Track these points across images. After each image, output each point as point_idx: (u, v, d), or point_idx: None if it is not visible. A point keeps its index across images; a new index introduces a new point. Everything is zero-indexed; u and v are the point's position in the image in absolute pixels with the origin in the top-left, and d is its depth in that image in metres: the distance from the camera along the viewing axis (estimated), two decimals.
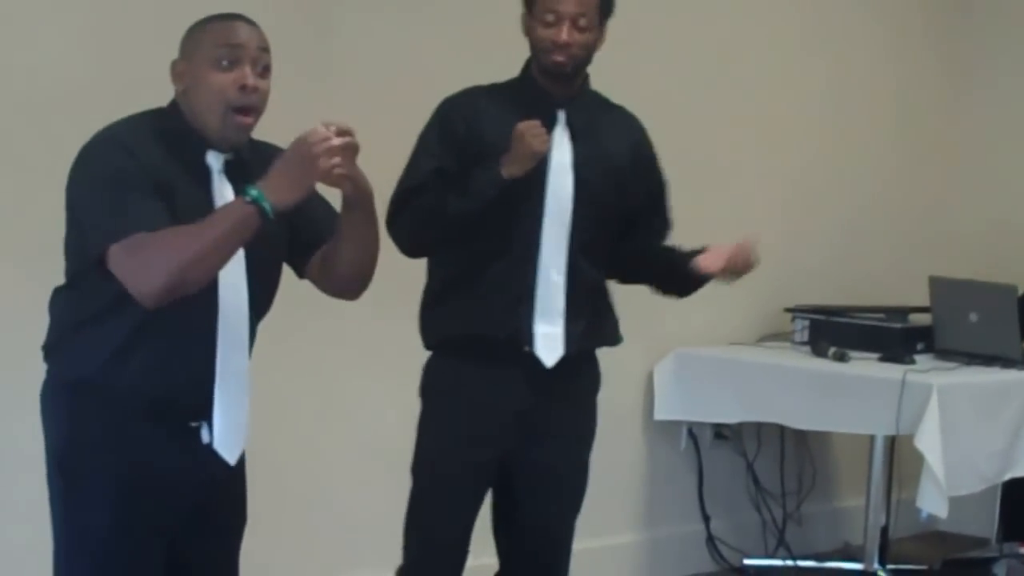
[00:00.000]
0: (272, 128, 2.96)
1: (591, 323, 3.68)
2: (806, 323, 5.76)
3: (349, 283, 3.02)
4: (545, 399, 3.63)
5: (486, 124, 3.59)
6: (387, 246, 3.24)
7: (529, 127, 3.49)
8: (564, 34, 3.53)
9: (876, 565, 5.66)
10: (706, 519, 5.77)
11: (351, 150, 2.76)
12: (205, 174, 2.87)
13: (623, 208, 3.73)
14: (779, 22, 5.96)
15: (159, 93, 2.95)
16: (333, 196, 2.92)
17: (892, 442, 5.67)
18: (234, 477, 3.01)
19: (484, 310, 3.60)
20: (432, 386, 3.71)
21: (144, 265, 2.69)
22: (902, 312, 5.90)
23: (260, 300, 2.95)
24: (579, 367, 3.70)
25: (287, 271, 3.06)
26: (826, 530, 6.14)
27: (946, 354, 5.55)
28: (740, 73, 5.78)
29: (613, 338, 3.80)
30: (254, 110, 2.85)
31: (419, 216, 3.56)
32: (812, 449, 6.07)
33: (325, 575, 4.74)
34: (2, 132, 4.00)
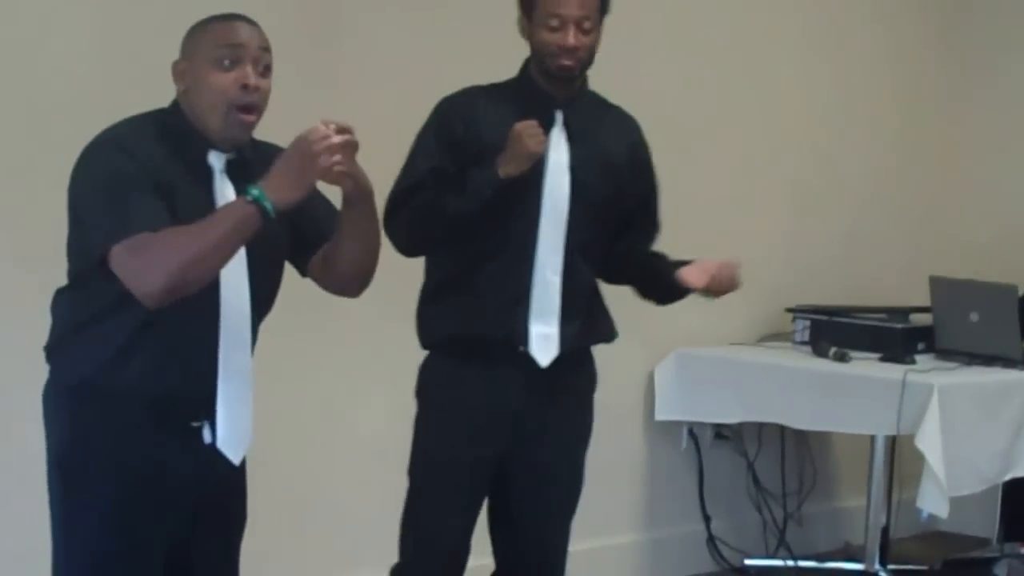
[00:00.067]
0: (273, 129, 2.96)
1: (586, 322, 3.68)
2: (807, 323, 5.76)
3: (350, 281, 3.02)
4: (541, 399, 3.63)
5: (484, 124, 3.59)
6: (387, 246, 3.24)
7: (526, 127, 3.49)
8: (571, 38, 3.53)
9: (877, 565, 5.66)
10: (707, 519, 5.77)
11: (351, 148, 2.76)
12: (207, 174, 2.87)
13: (619, 209, 3.73)
14: (781, 23, 5.95)
15: (161, 94, 2.95)
16: (333, 194, 2.92)
17: (893, 442, 5.68)
18: (235, 477, 3.01)
19: (480, 310, 3.60)
20: (428, 387, 3.71)
21: (146, 265, 2.70)
22: (903, 312, 5.90)
23: (262, 299, 2.95)
24: (575, 366, 3.70)
25: (289, 270, 3.06)
26: (827, 530, 6.14)
27: (947, 354, 5.55)
28: (741, 74, 5.78)
29: (608, 335, 3.80)
30: (256, 109, 2.86)
31: (416, 215, 3.56)
32: (813, 449, 6.07)
33: (325, 575, 4.74)
34: (4, 133, 4.00)
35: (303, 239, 3.00)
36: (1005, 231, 6.46)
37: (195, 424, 2.89)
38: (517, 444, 3.65)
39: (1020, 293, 5.54)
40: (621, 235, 3.78)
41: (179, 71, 2.89)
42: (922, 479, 4.98)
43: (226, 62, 2.83)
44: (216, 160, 2.88)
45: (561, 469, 3.74)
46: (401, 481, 3.72)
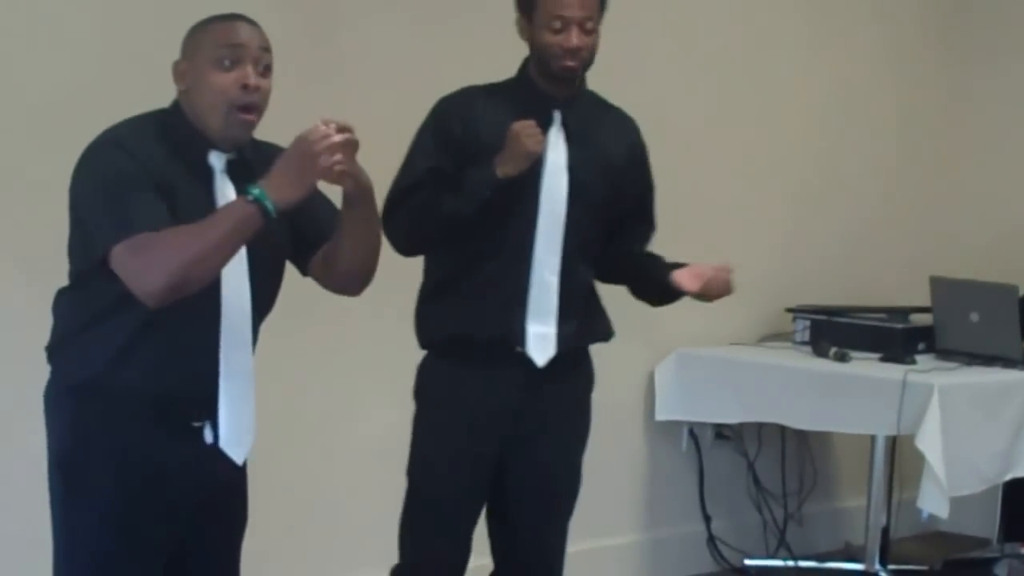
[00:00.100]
0: (273, 128, 2.96)
1: (583, 322, 3.68)
2: (807, 323, 5.77)
3: (351, 279, 3.02)
4: (539, 399, 3.63)
5: (482, 124, 3.59)
6: (386, 245, 3.24)
7: (524, 127, 3.49)
8: (575, 39, 3.52)
9: (877, 565, 5.66)
10: (707, 519, 5.77)
11: (351, 147, 2.76)
12: (207, 174, 2.88)
13: (616, 209, 3.73)
14: (782, 24, 5.95)
15: (162, 94, 2.95)
16: (334, 193, 2.92)
17: (893, 442, 5.68)
18: (235, 477, 3.01)
19: (477, 310, 3.60)
20: (425, 388, 3.71)
21: (147, 265, 2.70)
22: (903, 312, 5.90)
23: (263, 299, 2.95)
24: (572, 366, 3.70)
25: (289, 270, 3.06)
26: (827, 530, 6.14)
27: (947, 354, 5.55)
28: (742, 74, 5.78)
29: (605, 335, 3.80)
30: (256, 108, 2.86)
31: (414, 215, 3.56)
32: (813, 449, 6.07)
33: (325, 575, 4.74)
34: (6, 134, 4.00)
35: (304, 238, 3.00)
36: (1005, 231, 6.46)
37: (196, 424, 2.89)
38: (515, 444, 3.64)
39: (1020, 293, 5.54)
40: (616, 234, 3.78)
41: (180, 71, 2.89)
42: (922, 479, 4.98)
43: (226, 62, 2.83)
44: (217, 160, 2.88)
45: (559, 469, 3.74)
46: (401, 481, 3.72)
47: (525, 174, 3.52)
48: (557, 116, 3.62)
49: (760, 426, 5.77)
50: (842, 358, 5.41)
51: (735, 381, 5.47)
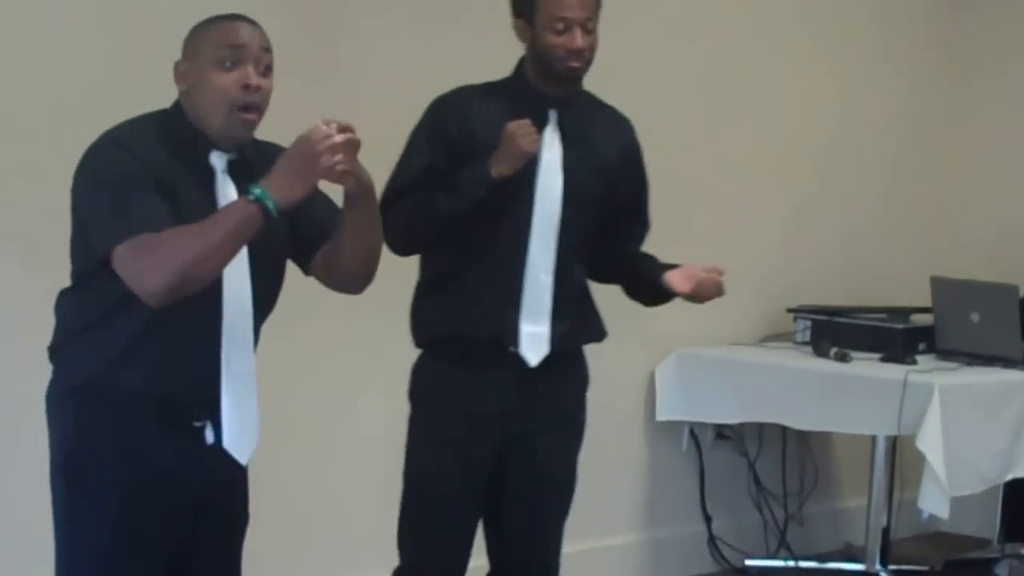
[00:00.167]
0: (273, 128, 2.96)
1: (576, 322, 3.68)
2: (808, 323, 5.77)
3: (353, 278, 3.02)
4: (532, 399, 3.63)
5: (477, 123, 3.59)
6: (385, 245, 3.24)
7: (519, 127, 3.49)
8: (579, 40, 3.52)
9: (877, 566, 5.66)
10: (707, 519, 5.77)
11: (353, 146, 2.77)
12: (209, 174, 2.88)
13: (611, 209, 3.73)
14: (783, 26, 5.95)
15: (163, 95, 2.95)
16: (335, 192, 2.92)
17: (894, 442, 5.68)
18: (237, 477, 3.01)
19: (471, 309, 3.60)
20: (419, 388, 3.71)
21: (148, 265, 2.70)
22: (904, 312, 5.90)
23: (264, 299, 2.95)
24: (566, 366, 3.70)
25: (290, 270, 3.06)
26: (828, 531, 6.14)
27: (947, 354, 5.55)
28: (743, 76, 5.78)
29: (598, 335, 3.80)
30: (257, 108, 2.86)
31: (409, 214, 3.55)
32: (814, 449, 6.07)
33: (325, 575, 4.74)
34: (6, 134, 4.00)
35: (305, 238, 3.00)
36: (1005, 231, 6.46)
37: (197, 424, 2.89)
38: (509, 445, 3.64)
39: (1021, 293, 5.54)
40: (611, 234, 3.78)
41: (181, 72, 2.89)
42: (923, 479, 4.98)
43: (228, 63, 2.83)
44: (218, 160, 2.88)
45: (555, 470, 3.73)
46: (401, 482, 3.72)
47: (520, 174, 3.52)
48: (552, 116, 3.62)
49: (761, 426, 5.77)
50: (843, 358, 5.41)
51: (736, 381, 5.47)
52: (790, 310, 5.86)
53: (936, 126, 6.61)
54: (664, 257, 3.79)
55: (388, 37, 4.76)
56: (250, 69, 2.83)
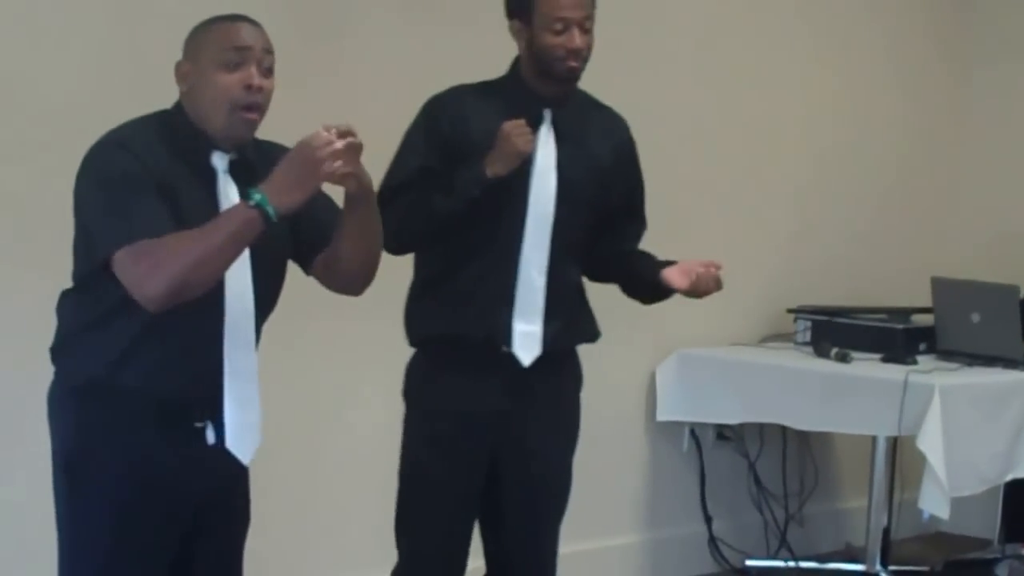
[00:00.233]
0: (273, 128, 2.96)
1: (569, 322, 3.68)
2: (808, 324, 5.77)
3: (353, 279, 3.03)
4: (526, 399, 3.62)
5: (472, 123, 3.58)
6: None
7: (514, 127, 3.49)
8: (578, 40, 3.52)
9: (878, 566, 5.66)
10: (708, 520, 5.77)
11: (354, 150, 2.77)
12: (210, 174, 2.88)
13: (606, 208, 3.73)
14: (785, 26, 5.95)
15: (164, 95, 2.95)
16: (335, 194, 2.92)
17: (894, 443, 5.67)
18: (238, 477, 3.01)
19: (464, 309, 3.60)
20: (413, 388, 3.71)
21: (147, 271, 2.71)
22: (904, 313, 5.90)
23: (266, 298, 2.96)
24: (559, 365, 3.70)
25: (292, 268, 3.06)
26: (828, 531, 6.14)
27: (948, 355, 5.55)
28: (744, 75, 5.78)
29: (592, 335, 3.79)
30: (259, 108, 2.86)
31: (403, 214, 3.54)
32: (814, 450, 6.07)
33: (325, 575, 4.74)
34: (8, 135, 4.00)
35: (307, 239, 3.00)
36: (1006, 231, 6.46)
37: (199, 425, 2.90)
38: (503, 445, 3.64)
39: (1021, 294, 5.54)
40: (607, 233, 3.78)
41: (182, 72, 2.89)
42: (923, 480, 4.98)
43: (231, 64, 2.83)
44: (219, 161, 2.88)
45: (549, 470, 3.72)
46: None
47: (514, 173, 3.52)
48: (547, 115, 3.61)
49: (761, 427, 5.77)
50: (843, 359, 5.40)
51: (736, 382, 5.47)
52: (791, 310, 5.86)
53: (936, 126, 6.61)
54: (665, 258, 3.79)
55: (386, 37, 4.76)
56: (253, 70, 2.84)
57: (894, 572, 5.72)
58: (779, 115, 5.93)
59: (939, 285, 5.70)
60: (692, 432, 5.70)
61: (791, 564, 5.83)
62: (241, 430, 2.91)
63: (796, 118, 6.01)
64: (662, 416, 5.57)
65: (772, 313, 5.89)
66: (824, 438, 6.08)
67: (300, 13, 4.51)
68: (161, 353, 2.83)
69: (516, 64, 3.66)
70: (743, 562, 5.81)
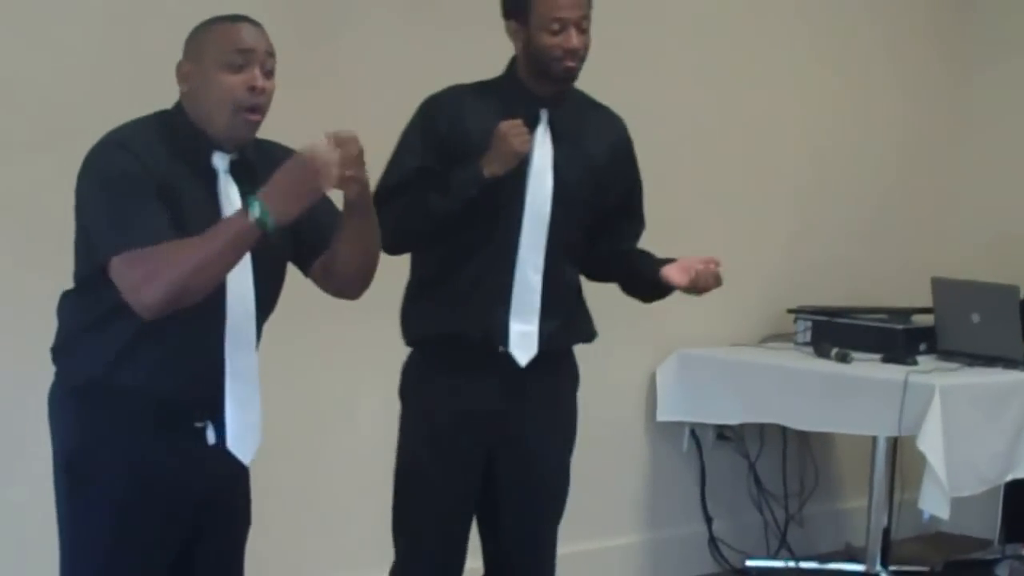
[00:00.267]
0: (275, 129, 2.96)
1: (565, 322, 3.67)
2: (809, 324, 5.77)
3: (351, 282, 3.03)
4: (522, 399, 3.62)
5: (469, 123, 3.58)
6: None
7: (511, 127, 3.49)
8: (575, 40, 3.52)
9: (878, 566, 5.66)
10: (708, 520, 5.77)
11: (357, 156, 2.77)
12: (211, 175, 2.88)
13: (603, 208, 3.73)
14: (785, 26, 5.95)
15: (165, 95, 2.95)
16: (334, 195, 2.92)
17: (894, 443, 5.67)
18: (238, 478, 3.01)
19: (461, 308, 3.60)
20: (410, 387, 3.71)
21: (144, 278, 2.71)
22: (905, 313, 5.90)
23: (266, 299, 2.96)
24: (555, 365, 3.69)
25: (292, 269, 3.06)
26: (828, 531, 6.14)
27: (948, 355, 5.55)
28: (744, 76, 5.78)
29: (588, 334, 3.79)
30: (261, 109, 2.86)
31: (400, 214, 3.54)
32: (814, 450, 6.07)
33: (325, 575, 4.73)
34: (9, 135, 4.00)
35: (307, 242, 3.00)
36: (1006, 232, 6.46)
37: (199, 425, 2.90)
38: (501, 446, 3.63)
39: (1021, 294, 5.54)
40: (605, 232, 3.77)
41: (183, 72, 2.89)
42: (923, 480, 4.98)
43: (235, 65, 2.83)
44: (220, 161, 2.88)
45: (545, 470, 3.72)
46: None
47: (511, 173, 3.52)
48: (544, 115, 3.61)
49: (761, 427, 5.77)
50: (843, 359, 5.41)
51: (736, 382, 5.47)
52: (791, 311, 5.86)
53: (936, 126, 6.61)
54: (653, 253, 3.79)
55: (386, 37, 4.76)
56: (256, 71, 2.84)
57: (894, 572, 5.72)
58: (779, 115, 5.93)
59: (939, 285, 5.70)
60: (692, 432, 5.70)
61: (791, 564, 5.83)
62: (242, 430, 2.91)
63: (796, 118, 6.01)
64: (662, 416, 5.57)
65: (772, 313, 5.89)
66: (824, 438, 6.08)
67: (300, 13, 4.51)
68: (161, 353, 2.83)
69: (513, 64, 3.66)
70: (743, 562, 5.81)
